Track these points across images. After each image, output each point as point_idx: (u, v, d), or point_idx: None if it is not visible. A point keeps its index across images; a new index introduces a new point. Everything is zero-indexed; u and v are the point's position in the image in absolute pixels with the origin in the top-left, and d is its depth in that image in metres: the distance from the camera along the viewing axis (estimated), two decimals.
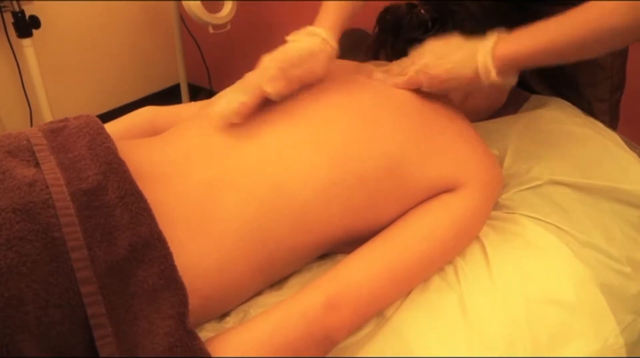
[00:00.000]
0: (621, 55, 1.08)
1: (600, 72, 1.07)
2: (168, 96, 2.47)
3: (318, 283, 0.64)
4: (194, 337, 0.56)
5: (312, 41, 0.80)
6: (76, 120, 0.69)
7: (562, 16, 0.72)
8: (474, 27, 0.85)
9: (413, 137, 0.74)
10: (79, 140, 0.65)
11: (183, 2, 1.83)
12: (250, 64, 0.78)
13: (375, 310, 0.68)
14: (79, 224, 0.56)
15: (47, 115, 1.92)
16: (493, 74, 0.75)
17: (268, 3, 2.11)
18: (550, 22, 0.73)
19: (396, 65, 0.84)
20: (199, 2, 1.82)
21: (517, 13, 0.91)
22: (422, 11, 0.88)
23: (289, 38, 0.82)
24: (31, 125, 2.04)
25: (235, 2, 1.95)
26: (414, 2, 0.93)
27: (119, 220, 0.58)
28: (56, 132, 0.66)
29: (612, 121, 1.12)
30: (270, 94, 0.73)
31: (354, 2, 0.88)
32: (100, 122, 0.69)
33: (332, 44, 0.81)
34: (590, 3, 0.71)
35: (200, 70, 2.38)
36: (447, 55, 0.78)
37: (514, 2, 0.92)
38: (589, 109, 1.07)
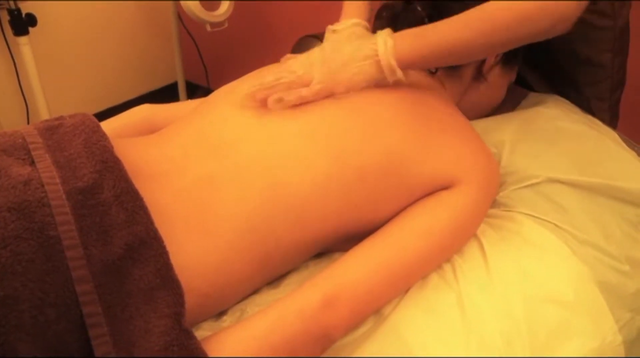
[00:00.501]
0: (621, 53, 1.07)
1: (601, 71, 1.06)
2: (165, 94, 2.47)
3: (315, 281, 0.64)
4: (191, 336, 0.56)
5: None
6: (72, 119, 0.68)
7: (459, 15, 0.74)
8: None
9: (411, 133, 0.74)
10: (75, 139, 0.64)
11: (181, 1, 1.82)
12: (247, 62, 0.78)
13: (373, 308, 0.68)
14: (74, 223, 0.55)
15: (44, 113, 1.92)
16: (399, 74, 0.76)
17: (265, 1, 2.11)
18: (448, 20, 0.74)
19: (271, 75, 0.78)
20: (196, 0, 1.82)
21: None
22: (419, 8, 0.87)
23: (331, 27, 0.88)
24: (28, 124, 2.04)
25: (232, 0, 1.95)
26: None
27: (115, 218, 0.58)
28: (52, 130, 0.66)
29: (612, 120, 1.12)
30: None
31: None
32: (96, 120, 0.68)
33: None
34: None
35: (197, 68, 2.38)
36: (345, 65, 0.76)
37: None
38: (588, 108, 1.07)
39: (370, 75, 0.76)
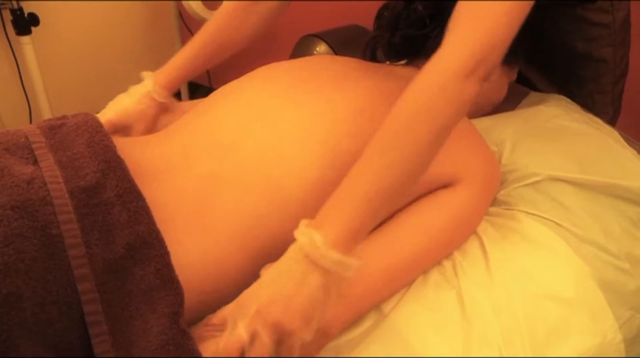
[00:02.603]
0: (623, 45, 1.06)
1: (602, 66, 1.06)
2: None
3: None
4: (188, 337, 0.56)
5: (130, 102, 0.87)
6: (74, 118, 0.69)
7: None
8: None
9: None
10: (78, 138, 0.65)
11: (183, 1, 1.83)
12: (249, 61, 0.78)
13: (369, 306, 0.68)
14: (77, 222, 0.56)
15: (46, 113, 1.93)
16: (349, 262, 0.57)
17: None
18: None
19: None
20: (198, 0, 1.82)
21: None
22: (420, 8, 0.87)
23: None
24: (30, 123, 2.04)
25: None
26: None
27: (117, 218, 0.58)
28: (54, 130, 0.66)
29: (614, 113, 1.11)
30: None
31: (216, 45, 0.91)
32: (98, 119, 0.69)
33: (159, 97, 0.88)
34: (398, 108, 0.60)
35: None
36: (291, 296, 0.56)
37: None
38: (591, 103, 1.07)
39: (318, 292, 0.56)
